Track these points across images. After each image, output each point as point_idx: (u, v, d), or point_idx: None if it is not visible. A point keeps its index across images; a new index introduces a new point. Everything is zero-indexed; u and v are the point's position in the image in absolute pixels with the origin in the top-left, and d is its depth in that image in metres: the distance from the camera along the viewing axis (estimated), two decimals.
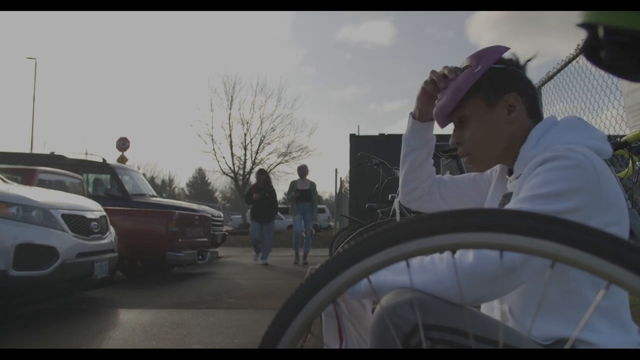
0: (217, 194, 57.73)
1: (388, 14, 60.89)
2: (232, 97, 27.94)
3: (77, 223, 4.72)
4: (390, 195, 4.28)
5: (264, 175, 10.20)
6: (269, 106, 37.70)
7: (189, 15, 63.20)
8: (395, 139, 15.74)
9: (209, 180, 54.15)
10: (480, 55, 1.34)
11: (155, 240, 6.98)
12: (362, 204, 14.39)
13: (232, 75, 36.91)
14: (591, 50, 0.84)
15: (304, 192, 9.91)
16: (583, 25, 0.79)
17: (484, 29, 54.87)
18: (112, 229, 5.48)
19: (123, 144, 15.07)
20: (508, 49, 1.35)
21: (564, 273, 1.13)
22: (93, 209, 5.17)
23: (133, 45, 68.47)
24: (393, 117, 67.88)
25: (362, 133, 15.99)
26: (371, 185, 14.35)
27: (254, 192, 9.85)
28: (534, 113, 1.32)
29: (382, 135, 15.01)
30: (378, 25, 58.88)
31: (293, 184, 10.10)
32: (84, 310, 4.55)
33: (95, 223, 5.00)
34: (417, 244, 0.77)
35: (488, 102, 1.31)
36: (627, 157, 2.38)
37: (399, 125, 65.08)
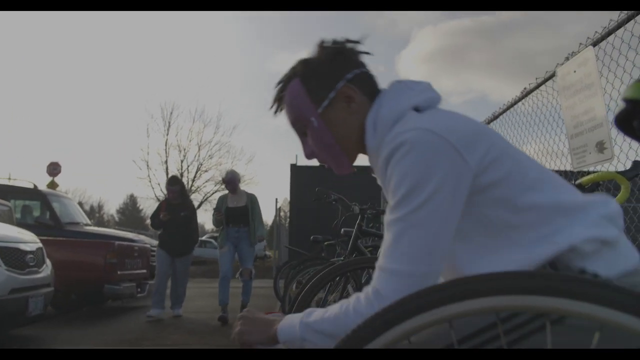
0: (148, 221, 55.99)
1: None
2: (169, 122, 27.47)
3: (10, 256, 4.41)
4: (343, 230, 4.28)
5: (177, 185, 6.79)
6: (207, 133, 37.18)
7: (128, 37, 62.02)
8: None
9: (140, 207, 52.48)
10: (298, 114, 1.26)
11: (93, 272, 6.63)
12: (302, 235, 14.37)
13: (170, 101, 36.16)
14: (624, 121, 0.90)
15: (235, 212, 6.53)
16: (626, 99, 0.86)
17: (413, 65, 57.06)
18: (48, 261, 5.17)
19: (54, 169, 14.38)
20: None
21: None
22: (28, 240, 4.86)
23: (63, 65, 66.24)
24: None
25: (301, 163, 16.05)
26: (313, 217, 14.39)
27: (163, 209, 6.67)
28: (372, 91, 1.24)
29: (322, 166, 15.11)
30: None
31: (221, 200, 6.69)
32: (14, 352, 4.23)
33: (31, 256, 4.70)
34: (464, 305, 0.77)
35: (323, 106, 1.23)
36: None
37: None
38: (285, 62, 60.65)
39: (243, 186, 7.25)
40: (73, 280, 6.60)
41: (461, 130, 1.05)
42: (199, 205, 28.28)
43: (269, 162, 64.89)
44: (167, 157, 27.16)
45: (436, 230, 1.01)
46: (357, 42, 1.28)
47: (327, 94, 1.22)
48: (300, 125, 1.27)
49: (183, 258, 6.82)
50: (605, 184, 2.55)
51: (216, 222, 6.62)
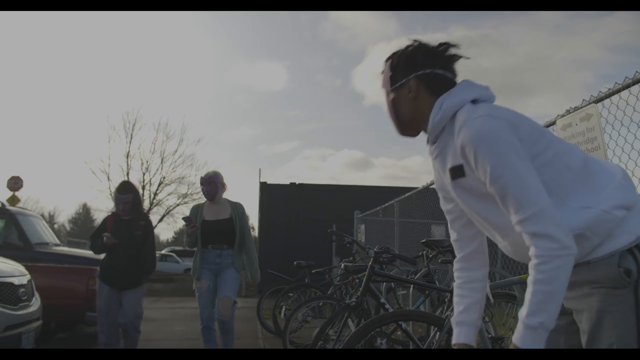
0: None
1: (283, 58, 62.42)
2: (132, 134, 26.95)
3: (4, 291, 4.28)
4: (344, 265, 4.35)
5: (129, 194, 4.83)
6: (171, 145, 36.56)
7: (91, 47, 60.50)
8: (306, 188, 16.02)
9: (94, 217, 51.05)
10: (381, 84, 1.78)
11: (74, 299, 6.46)
12: (272, 254, 14.34)
13: (133, 112, 35.30)
14: None
15: (215, 227, 4.87)
16: None
17: (368, 80, 57.95)
18: (37, 294, 5.03)
19: (15, 183, 13.92)
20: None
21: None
22: (19, 273, 4.72)
23: (17, 69, 64.01)
24: (282, 158, 68.85)
25: (271, 181, 16.03)
26: (283, 236, 14.40)
27: (109, 227, 4.86)
28: (436, 90, 1.67)
29: (292, 185, 15.19)
30: (272, 67, 60.12)
31: (194, 211, 5.04)
32: None
33: (23, 290, 4.56)
34: None
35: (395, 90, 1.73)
36: None
37: (289, 167, 66.10)
38: (248, 73, 60.45)
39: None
40: (52, 308, 6.39)
41: (509, 112, 1.54)
42: (161, 219, 27.79)
43: (232, 176, 64.28)
44: (128, 169, 26.60)
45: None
46: (446, 45, 1.71)
47: (399, 80, 1.71)
48: (382, 90, 1.79)
49: (132, 292, 4.76)
50: None
51: (188, 238, 4.77)
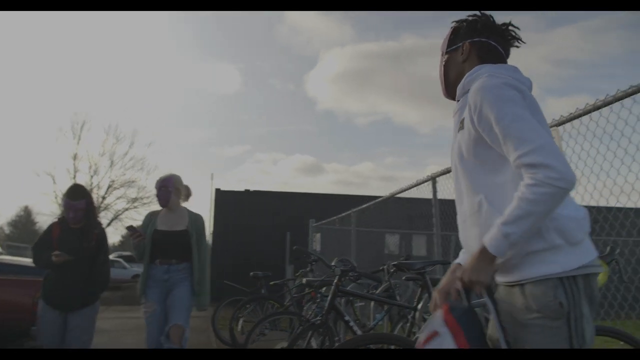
0: None
1: (237, 61, 62.00)
2: (80, 136, 26.11)
3: None
4: (306, 280, 4.32)
5: (81, 200, 4.11)
6: (121, 148, 35.57)
7: (37, 46, 58.15)
8: (260, 195, 15.90)
9: (36, 220, 49.13)
10: (441, 46, 1.94)
11: (18, 313, 6.15)
12: (225, 262, 14.14)
13: (81, 113, 34.12)
14: None
15: (168, 239, 4.25)
16: None
17: (321, 85, 58.33)
18: None
19: None
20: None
21: None
22: None
23: None
24: (234, 162, 68.27)
25: (225, 188, 15.86)
26: (237, 243, 14.22)
27: (55, 236, 4.13)
28: (484, 57, 1.80)
29: (247, 192, 15.05)
30: (225, 70, 59.62)
31: (148, 219, 4.42)
32: None
33: None
34: None
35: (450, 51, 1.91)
36: None
37: (241, 170, 65.57)
38: (201, 75, 59.63)
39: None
40: None
41: (517, 81, 1.65)
42: (109, 223, 26.99)
43: (186, 180, 62.90)
44: (75, 171, 25.72)
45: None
46: (506, 25, 1.84)
47: (456, 43, 1.88)
48: (440, 52, 1.94)
49: (82, 314, 3.99)
50: None
51: (135, 250, 4.23)
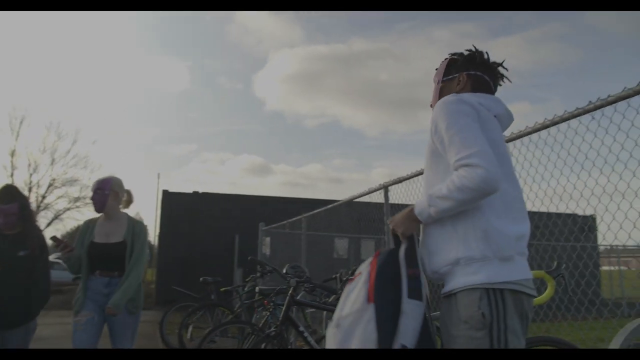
0: None
1: (186, 58, 61.00)
2: (18, 133, 24.99)
3: None
4: (258, 288, 4.32)
5: (14, 203, 3.63)
6: (63, 146, 34.23)
7: None
8: (209, 197, 15.69)
9: None
10: (436, 75, 2.10)
11: None
12: (172, 266, 13.88)
13: (20, 109, 32.63)
14: None
15: (105, 252, 3.78)
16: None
17: (270, 86, 58.30)
18: None
19: None
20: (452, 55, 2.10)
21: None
22: None
23: None
24: (180, 161, 67.15)
25: (173, 190, 15.57)
26: (185, 245, 13.98)
27: None
28: (477, 88, 1.96)
29: (196, 194, 14.83)
30: (173, 67, 58.54)
31: (86, 227, 3.91)
32: None
33: None
34: None
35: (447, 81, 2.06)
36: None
37: (187, 170, 64.60)
38: (148, 72, 58.23)
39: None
40: None
41: (473, 103, 1.79)
42: (49, 224, 25.94)
43: (129, 179, 61.34)
44: (13, 169, 24.61)
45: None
46: (497, 64, 2.02)
47: (453, 74, 2.03)
48: (434, 80, 2.10)
49: (16, 334, 3.53)
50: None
51: (66, 262, 3.75)
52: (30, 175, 24.96)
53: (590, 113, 2.75)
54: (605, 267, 16.59)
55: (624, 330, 2.39)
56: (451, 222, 1.67)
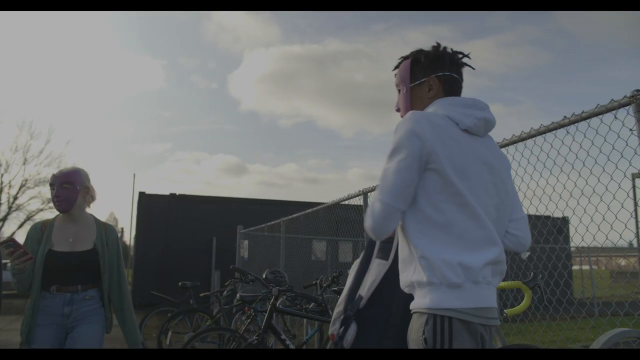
0: None
1: (160, 57, 60.40)
2: None
3: None
4: (239, 295, 4.32)
5: None
6: (36, 146, 33.55)
7: None
8: (186, 199, 15.57)
9: None
10: (400, 80, 1.91)
11: None
12: (152, 273, 13.74)
13: None
14: None
15: (69, 261, 2.99)
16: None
17: (244, 85, 58.12)
18: None
19: None
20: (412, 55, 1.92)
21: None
22: None
23: None
24: (154, 159, 66.49)
25: (150, 191, 15.44)
26: (161, 248, 13.86)
27: None
28: (449, 90, 1.83)
29: (173, 195, 14.71)
30: (147, 65, 57.94)
31: (34, 231, 3.08)
32: None
33: None
34: None
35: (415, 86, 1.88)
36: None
37: (162, 169, 63.97)
38: (122, 70, 57.46)
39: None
40: None
41: (443, 144, 1.63)
42: (21, 225, 25.43)
43: (105, 179, 60.41)
44: None
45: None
46: (462, 55, 1.88)
47: (420, 78, 1.85)
48: (398, 87, 1.93)
49: None
50: (512, 291, 3.03)
51: (17, 274, 2.85)
52: (2, 175, 24.46)
53: (565, 127, 2.86)
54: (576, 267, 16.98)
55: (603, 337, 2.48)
56: (408, 245, 1.65)
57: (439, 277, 1.53)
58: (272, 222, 9.20)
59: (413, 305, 1.62)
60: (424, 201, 1.61)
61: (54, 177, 3.11)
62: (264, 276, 5.48)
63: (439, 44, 1.87)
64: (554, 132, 2.98)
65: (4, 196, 24.30)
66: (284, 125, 64.03)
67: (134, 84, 58.48)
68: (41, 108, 53.76)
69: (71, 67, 58.36)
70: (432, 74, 1.83)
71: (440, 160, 1.59)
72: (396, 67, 1.95)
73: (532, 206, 3.34)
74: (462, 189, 1.59)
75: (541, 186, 3.18)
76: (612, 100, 2.55)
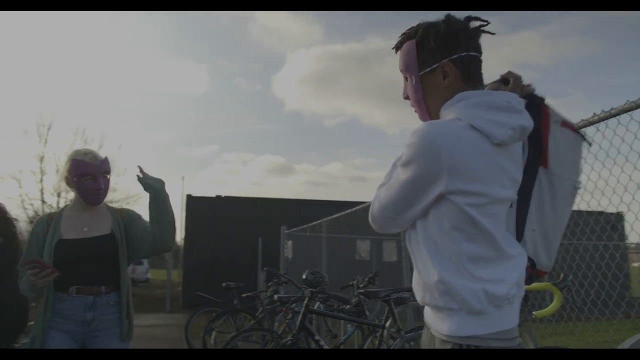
0: None
1: (203, 61, 61.68)
2: (46, 139, 25.60)
3: None
4: (277, 296, 4.43)
5: None
6: None
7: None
8: (232, 201, 15.91)
9: None
10: (405, 67, 1.55)
11: None
12: (197, 269, 14.14)
13: (47, 115, 33.24)
14: None
15: (83, 250, 2.57)
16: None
17: (288, 86, 58.45)
18: None
19: None
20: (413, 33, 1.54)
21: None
22: None
23: None
24: (201, 162, 67.90)
25: (197, 194, 15.85)
26: (209, 250, 14.23)
27: None
28: (468, 74, 1.48)
29: (218, 197, 15.06)
30: (192, 70, 59.17)
31: (42, 226, 2.65)
32: None
33: None
34: None
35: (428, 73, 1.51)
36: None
37: (210, 171, 65.31)
38: (167, 76, 59.04)
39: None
40: None
41: (467, 159, 1.35)
42: None
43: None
44: (42, 175, 25.20)
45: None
46: (478, 21, 1.51)
47: (431, 63, 1.49)
48: (405, 74, 1.58)
49: None
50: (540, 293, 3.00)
51: (35, 293, 2.39)
52: (59, 180, 25.55)
53: (617, 117, 2.70)
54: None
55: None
56: (423, 261, 1.46)
57: (459, 303, 1.37)
58: (314, 223, 9.29)
59: (430, 325, 1.49)
60: (442, 219, 1.40)
61: (92, 166, 2.64)
62: (304, 277, 5.58)
63: (449, 16, 1.52)
64: (605, 121, 2.81)
65: (62, 200, 25.40)
66: (328, 125, 64.08)
67: (180, 89, 59.86)
68: (93, 115, 55.70)
69: (119, 75, 60.23)
70: (446, 58, 1.47)
71: (461, 182, 1.35)
72: (398, 48, 1.60)
73: (583, 201, 3.23)
74: (484, 215, 1.38)
75: (593, 180, 3.06)
76: None
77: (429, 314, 1.50)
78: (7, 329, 2.08)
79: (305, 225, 9.91)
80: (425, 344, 1.53)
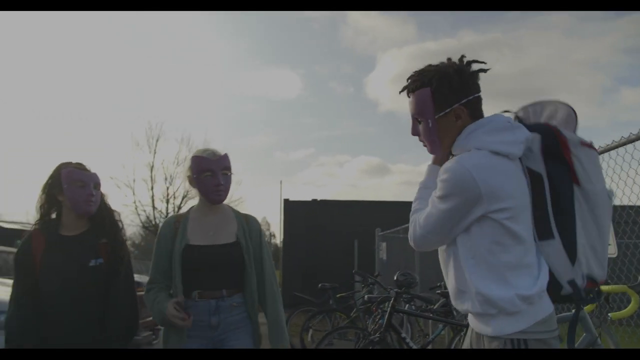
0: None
1: (296, 66, 63.14)
2: (155, 150, 27.60)
3: None
4: (367, 296, 4.70)
5: (94, 173, 2.61)
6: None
7: (116, 59, 61.66)
8: (328, 204, 16.39)
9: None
10: (420, 112, 1.76)
11: None
12: (294, 271, 14.74)
13: (156, 127, 35.76)
14: None
15: (209, 257, 2.55)
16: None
17: (381, 87, 58.01)
18: None
19: None
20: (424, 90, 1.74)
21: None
22: None
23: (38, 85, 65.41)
24: (298, 165, 69.31)
25: (294, 198, 16.46)
26: (306, 252, 14.79)
27: (38, 252, 2.38)
28: (475, 113, 1.71)
29: (314, 201, 15.58)
30: (285, 75, 60.66)
31: (170, 229, 2.62)
32: None
33: None
34: None
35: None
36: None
37: (306, 174, 66.65)
38: (261, 82, 61.17)
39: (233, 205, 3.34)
40: None
41: (500, 182, 1.60)
42: None
43: (255, 186, 64.76)
44: (152, 184, 27.20)
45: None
46: (479, 64, 1.73)
47: (446, 108, 1.70)
48: (419, 118, 1.78)
49: None
50: (618, 296, 3.03)
51: (159, 310, 2.38)
52: (167, 187, 27.39)
53: None
54: None
55: None
56: (463, 275, 1.68)
57: (497, 308, 1.59)
58: (406, 225, 9.40)
59: (475, 327, 1.71)
60: (483, 235, 1.63)
61: (210, 161, 2.58)
62: (395, 278, 5.81)
63: (461, 62, 1.74)
64: None
65: (170, 207, 27.22)
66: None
67: (275, 94, 61.77)
68: (198, 124, 58.89)
69: (219, 85, 63.23)
70: (458, 103, 1.69)
71: (497, 203, 1.58)
72: (409, 91, 1.80)
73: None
74: (517, 223, 1.61)
75: None
76: None
77: (472, 318, 1.73)
78: (129, 316, 2.49)
79: (398, 227, 10.07)
80: (473, 342, 1.74)
